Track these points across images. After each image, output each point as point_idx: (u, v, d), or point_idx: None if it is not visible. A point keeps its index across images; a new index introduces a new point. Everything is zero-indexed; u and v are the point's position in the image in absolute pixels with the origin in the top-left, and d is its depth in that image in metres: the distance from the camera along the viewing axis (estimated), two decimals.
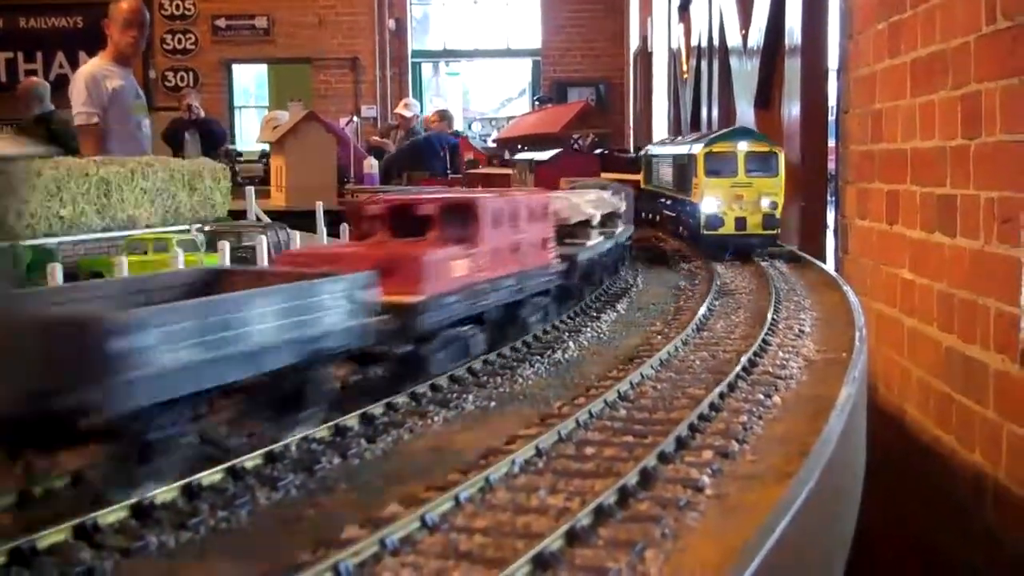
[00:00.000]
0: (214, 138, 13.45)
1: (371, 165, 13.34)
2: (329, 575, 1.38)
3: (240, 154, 16.06)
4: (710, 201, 5.52)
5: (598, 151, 9.03)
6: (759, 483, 1.53)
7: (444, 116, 17.11)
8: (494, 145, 15.71)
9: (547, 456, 1.75)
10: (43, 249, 3.83)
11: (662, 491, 1.54)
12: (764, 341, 2.58)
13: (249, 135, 20.55)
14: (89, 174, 4.12)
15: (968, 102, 4.33)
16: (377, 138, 17.02)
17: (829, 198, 7.06)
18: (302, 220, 4.63)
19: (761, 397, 2.07)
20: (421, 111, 21.00)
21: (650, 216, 7.33)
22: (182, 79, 20.30)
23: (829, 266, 6.50)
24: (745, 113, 8.80)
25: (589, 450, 1.76)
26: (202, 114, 14.93)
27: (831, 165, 6.97)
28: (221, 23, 20.43)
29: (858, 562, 5.75)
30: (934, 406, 4.73)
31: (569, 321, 3.81)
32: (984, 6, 4.17)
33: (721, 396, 2.10)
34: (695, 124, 11.51)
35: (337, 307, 2.24)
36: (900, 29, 5.22)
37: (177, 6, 20.32)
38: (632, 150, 9.71)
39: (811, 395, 2.11)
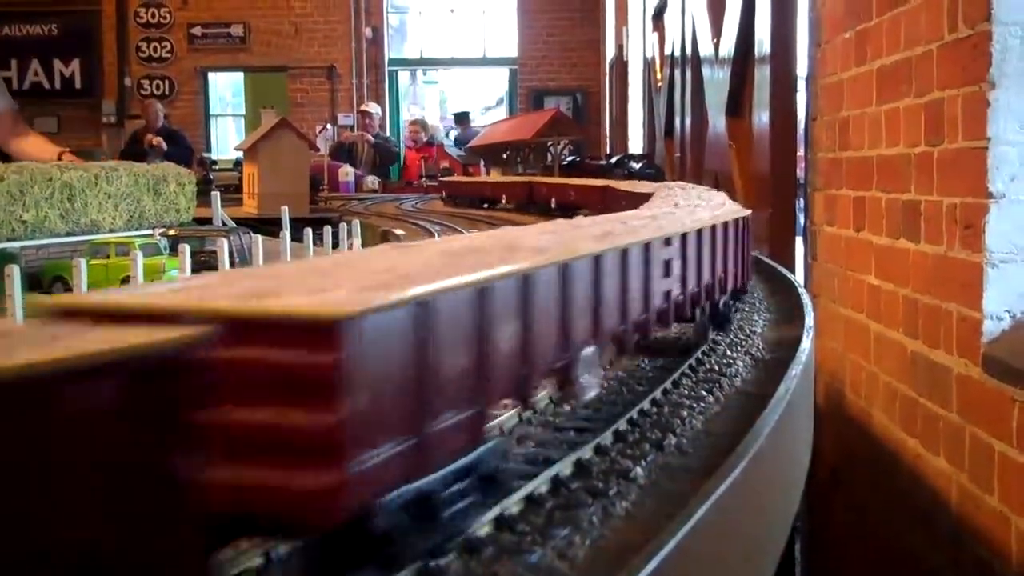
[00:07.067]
0: (180, 157, 11.53)
1: (346, 173, 13.38)
2: None
3: (215, 162, 16.03)
4: None
5: (570, 159, 9.07)
6: (690, 473, 1.57)
7: (423, 126, 17.26)
8: (463, 153, 15.73)
9: None
10: (5, 254, 3.81)
11: (595, 481, 1.57)
12: (714, 341, 2.62)
13: (225, 143, 20.53)
14: (53, 179, 4.11)
15: (931, 109, 4.37)
16: (350, 133, 17.07)
17: (799, 205, 7.11)
18: (276, 227, 4.62)
19: (703, 393, 2.10)
20: (398, 119, 21.04)
21: None
22: (157, 87, 20.23)
23: (798, 272, 6.54)
24: (717, 121, 8.85)
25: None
26: (159, 129, 14.70)
27: (800, 172, 7.02)
28: (197, 31, 20.38)
29: (825, 566, 5.77)
30: (900, 410, 4.76)
31: None
32: (946, 15, 4.21)
33: (665, 393, 2.13)
34: (669, 132, 11.56)
35: None
36: (866, 37, 5.26)
37: (153, 14, 20.26)
38: (605, 158, 9.74)
39: (751, 392, 2.15)
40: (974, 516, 3.87)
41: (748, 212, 3.27)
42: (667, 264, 2.13)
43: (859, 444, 5.34)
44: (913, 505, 4.57)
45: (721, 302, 2.77)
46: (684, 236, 2.24)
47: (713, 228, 2.54)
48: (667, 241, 2.13)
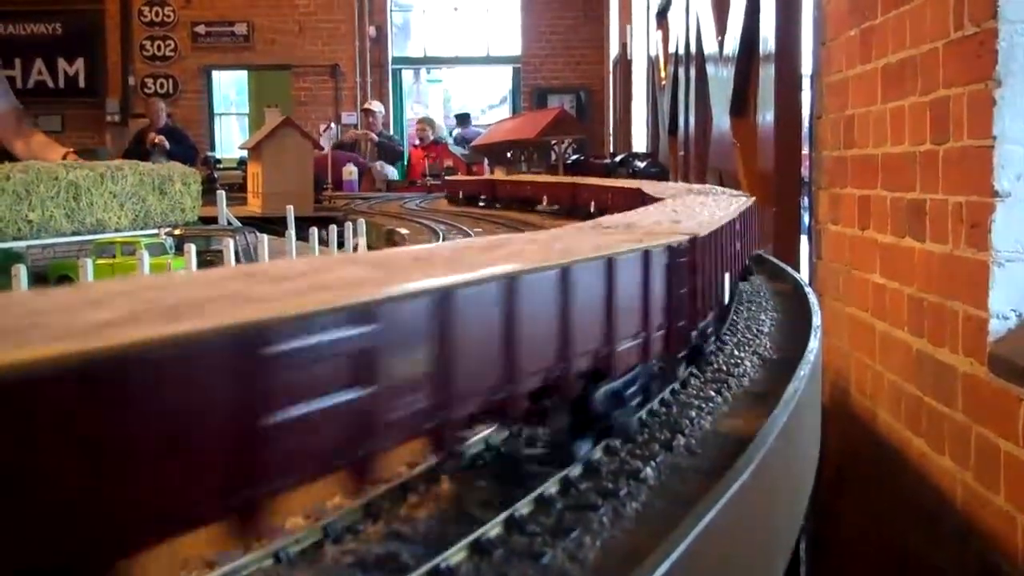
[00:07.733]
0: (184, 156, 11.40)
1: (350, 172, 13.39)
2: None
3: (219, 161, 16.05)
4: None
5: (574, 157, 9.07)
6: (700, 474, 1.58)
7: (430, 124, 17.31)
8: (466, 152, 15.73)
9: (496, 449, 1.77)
10: (11, 253, 3.82)
11: (605, 482, 1.57)
12: (721, 341, 2.61)
13: (229, 142, 20.55)
14: (59, 178, 4.12)
15: (936, 107, 4.37)
16: (354, 131, 17.10)
17: (804, 204, 7.10)
18: (281, 226, 4.62)
19: (712, 394, 2.10)
20: (402, 118, 21.07)
21: None
22: (161, 86, 20.25)
23: (803, 270, 6.53)
24: (721, 120, 8.84)
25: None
26: (162, 128, 14.70)
27: (805, 171, 7.01)
28: (201, 30, 20.39)
29: (830, 565, 5.76)
30: (905, 409, 4.76)
31: None
32: (952, 12, 4.21)
33: (673, 393, 2.13)
34: (673, 131, 11.56)
35: None
36: (871, 35, 5.26)
37: (156, 12, 20.27)
38: (610, 157, 9.73)
39: (759, 392, 2.15)
40: (980, 515, 3.87)
41: (697, 234, 2.10)
42: (443, 345, 1.19)
43: (864, 443, 5.34)
44: (918, 504, 4.56)
45: (602, 392, 1.68)
46: (512, 284, 1.30)
47: (598, 268, 1.56)
48: (442, 300, 1.18)
